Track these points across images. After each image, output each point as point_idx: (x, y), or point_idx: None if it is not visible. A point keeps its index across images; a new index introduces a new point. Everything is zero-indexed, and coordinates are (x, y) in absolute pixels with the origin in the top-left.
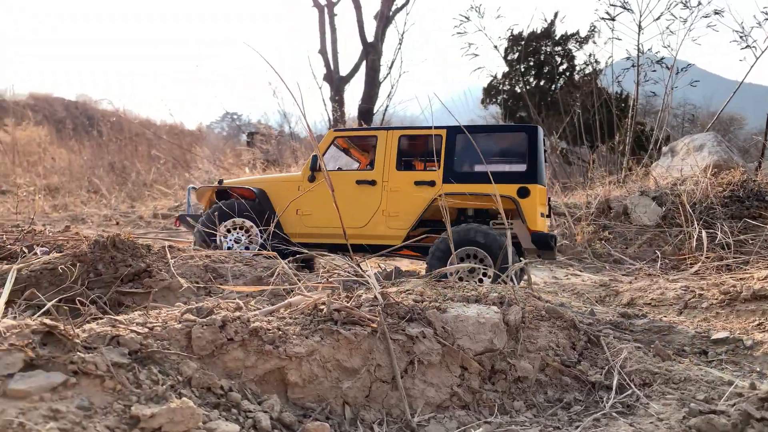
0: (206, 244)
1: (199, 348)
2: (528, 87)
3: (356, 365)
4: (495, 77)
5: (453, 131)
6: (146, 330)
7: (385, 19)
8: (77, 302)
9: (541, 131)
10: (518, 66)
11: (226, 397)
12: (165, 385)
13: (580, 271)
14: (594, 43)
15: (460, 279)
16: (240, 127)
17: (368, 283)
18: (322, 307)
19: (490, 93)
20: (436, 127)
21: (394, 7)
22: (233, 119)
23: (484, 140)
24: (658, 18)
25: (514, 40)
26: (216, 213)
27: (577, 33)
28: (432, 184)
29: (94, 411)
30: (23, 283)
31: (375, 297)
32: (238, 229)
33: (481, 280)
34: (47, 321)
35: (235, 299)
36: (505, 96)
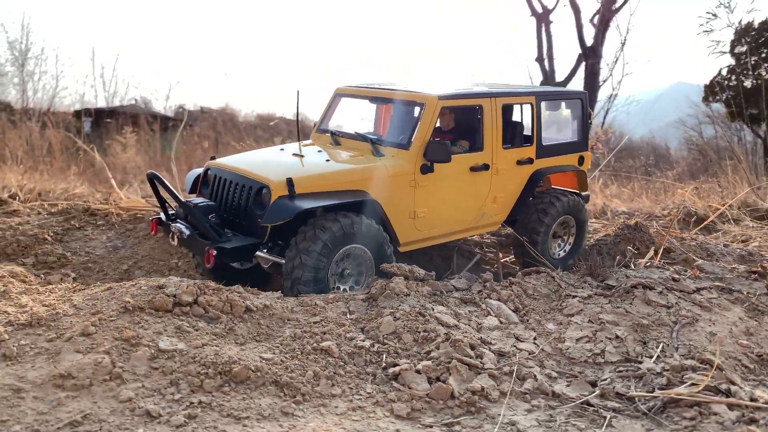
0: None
1: None
2: (759, 81)
3: None
4: (720, 73)
5: (540, 97)
6: None
7: (605, 22)
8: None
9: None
10: (747, 59)
11: None
12: None
13: None
14: None
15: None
16: None
17: None
18: None
19: (714, 90)
20: (526, 94)
21: (612, 8)
22: None
23: (551, 108)
24: None
25: (743, 31)
26: None
27: None
28: (530, 161)
29: None
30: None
31: None
32: None
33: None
34: None
35: None
36: (731, 93)
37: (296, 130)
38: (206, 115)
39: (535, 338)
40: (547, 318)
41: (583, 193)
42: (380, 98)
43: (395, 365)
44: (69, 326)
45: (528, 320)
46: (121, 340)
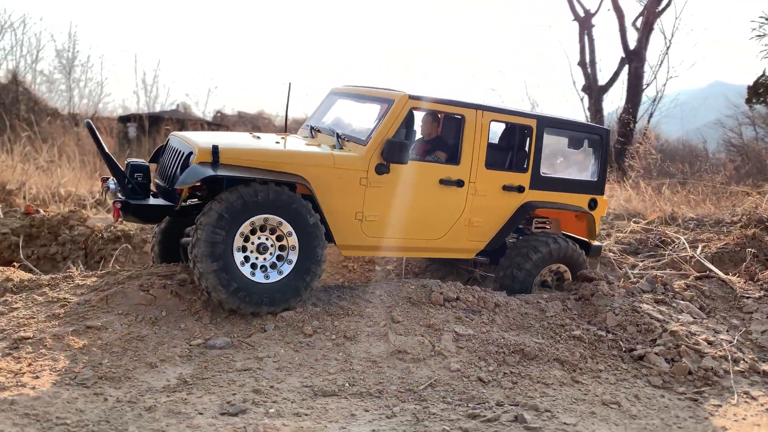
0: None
1: None
2: None
3: None
4: (764, 74)
5: (543, 122)
6: None
7: (649, 25)
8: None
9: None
10: None
11: None
12: None
13: None
14: None
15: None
16: None
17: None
18: None
19: (758, 92)
20: (526, 116)
21: (656, 10)
22: None
23: (561, 137)
24: None
25: None
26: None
27: None
28: (521, 190)
29: None
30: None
31: None
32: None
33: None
34: None
35: None
36: None
37: (284, 123)
38: (244, 119)
39: (727, 330)
40: (730, 314)
41: (593, 244)
42: (364, 96)
43: (633, 350)
44: (376, 315)
45: (715, 316)
46: (426, 326)
